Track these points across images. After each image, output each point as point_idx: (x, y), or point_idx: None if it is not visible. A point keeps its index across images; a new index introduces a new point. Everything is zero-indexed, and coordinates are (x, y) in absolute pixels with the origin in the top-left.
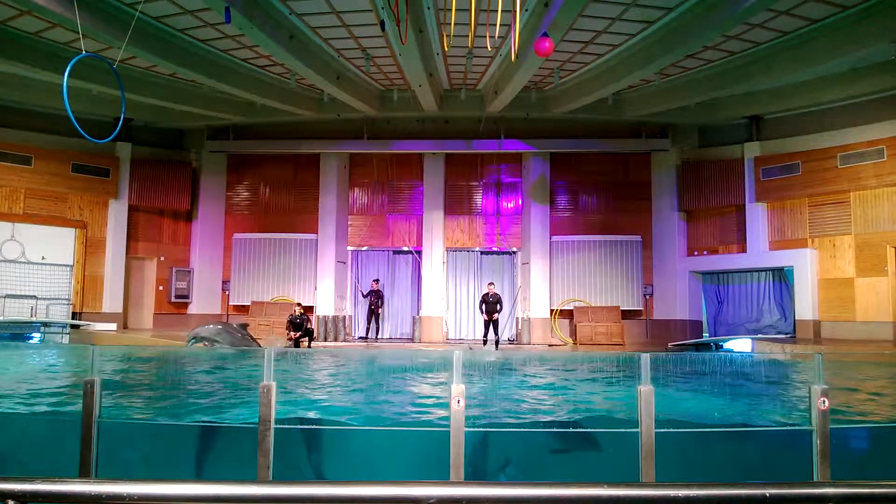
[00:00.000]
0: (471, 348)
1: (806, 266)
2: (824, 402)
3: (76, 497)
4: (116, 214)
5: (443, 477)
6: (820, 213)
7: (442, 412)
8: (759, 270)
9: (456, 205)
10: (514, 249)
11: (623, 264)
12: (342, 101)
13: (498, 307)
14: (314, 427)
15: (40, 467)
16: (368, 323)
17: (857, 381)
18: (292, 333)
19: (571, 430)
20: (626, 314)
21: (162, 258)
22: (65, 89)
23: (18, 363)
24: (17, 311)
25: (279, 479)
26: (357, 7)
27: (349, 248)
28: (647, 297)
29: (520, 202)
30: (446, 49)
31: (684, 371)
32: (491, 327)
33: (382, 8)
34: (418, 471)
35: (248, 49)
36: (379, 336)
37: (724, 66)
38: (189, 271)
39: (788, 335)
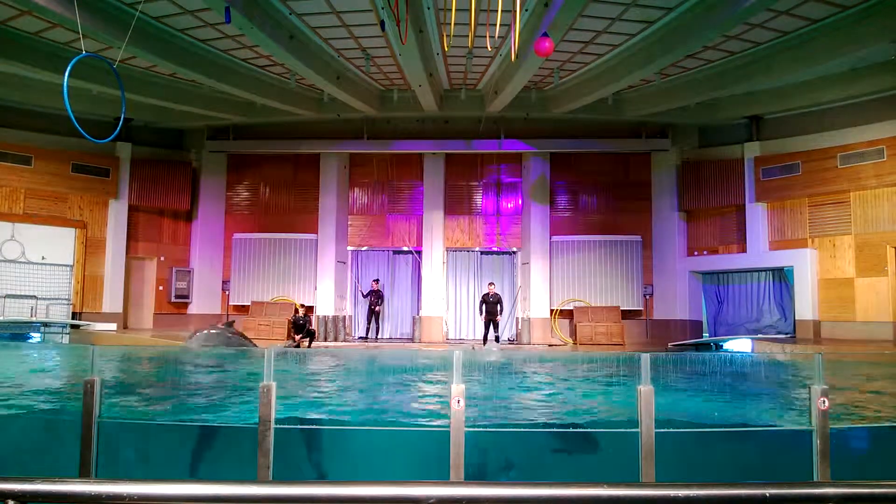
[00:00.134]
0: (473, 348)
1: (806, 266)
2: (824, 402)
3: (76, 497)
4: (116, 214)
5: (443, 477)
6: (820, 213)
7: (441, 411)
8: (759, 270)
9: (456, 205)
10: (514, 249)
11: (623, 264)
12: (342, 101)
13: (498, 308)
14: (314, 427)
15: (40, 467)
16: (368, 323)
17: (857, 381)
18: (297, 337)
19: (571, 430)
20: (626, 314)
21: (162, 258)
22: (65, 89)
23: (18, 363)
24: (17, 311)
25: (279, 479)
26: (357, 7)
27: (349, 248)
28: (647, 297)
29: (520, 202)
30: (446, 49)
31: (684, 371)
32: (491, 327)
33: (382, 8)
34: (418, 471)
35: (248, 49)
36: (379, 336)
37: (724, 66)
38: (189, 271)
39: (788, 335)
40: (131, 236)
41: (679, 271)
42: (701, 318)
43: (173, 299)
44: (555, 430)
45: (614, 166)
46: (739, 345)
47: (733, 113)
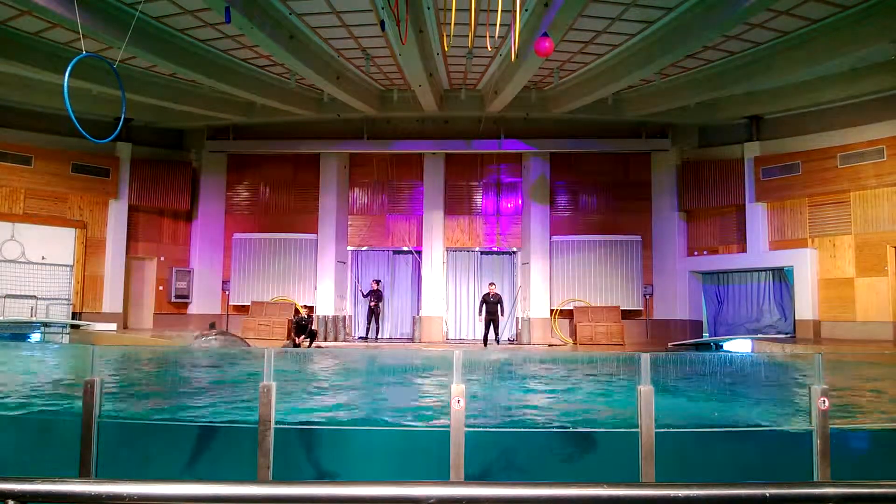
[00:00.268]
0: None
1: (806, 266)
2: (824, 402)
3: (76, 497)
4: (116, 214)
5: (443, 477)
6: (820, 213)
7: (442, 411)
8: (759, 270)
9: (456, 205)
10: (514, 249)
11: (623, 264)
12: (342, 101)
13: (499, 308)
14: (314, 427)
15: (40, 467)
16: (368, 323)
17: (857, 381)
18: (297, 338)
19: (571, 430)
20: (626, 314)
21: (162, 258)
22: (65, 89)
23: (18, 363)
24: (17, 311)
25: (279, 479)
26: (357, 7)
27: (349, 248)
28: (647, 297)
29: (520, 202)
30: (446, 49)
31: (684, 371)
32: (491, 327)
33: (382, 8)
34: (418, 471)
35: (248, 49)
36: (379, 336)
37: (724, 66)
38: (189, 271)
39: (788, 335)
40: (131, 236)
41: (679, 271)
42: (701, 317)
43: (173, 299)
44: (555, 429)
45: (614, 166)
46: (739, 345)
47: (733, 113)
